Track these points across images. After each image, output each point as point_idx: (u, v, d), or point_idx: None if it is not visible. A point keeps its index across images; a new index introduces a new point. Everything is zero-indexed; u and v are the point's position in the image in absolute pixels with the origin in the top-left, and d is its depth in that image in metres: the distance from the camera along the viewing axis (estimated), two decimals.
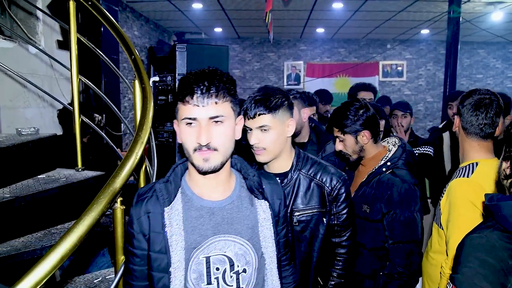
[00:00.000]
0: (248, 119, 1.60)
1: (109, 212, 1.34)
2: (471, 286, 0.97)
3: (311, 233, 1.70)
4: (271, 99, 1.60)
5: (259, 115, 1.58)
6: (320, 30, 9.88)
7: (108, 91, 4.83)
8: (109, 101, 2.62)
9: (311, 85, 9.96)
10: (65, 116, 3.50)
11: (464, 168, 1.77)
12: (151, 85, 1.94)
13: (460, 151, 1.88)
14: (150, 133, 1.81)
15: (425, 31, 9.63)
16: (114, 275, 1.53)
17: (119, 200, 1.40)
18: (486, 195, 1.09)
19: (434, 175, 3.45)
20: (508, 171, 1.07)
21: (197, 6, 7.65)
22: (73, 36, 2.29)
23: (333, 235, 1.75)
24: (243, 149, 1.77)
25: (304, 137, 2.65)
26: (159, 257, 1.18)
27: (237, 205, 1.26)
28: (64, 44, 4.00)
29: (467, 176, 1.72)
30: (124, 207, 1.42)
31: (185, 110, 1.15)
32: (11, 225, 1.93)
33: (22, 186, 2.13)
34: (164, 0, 7.19)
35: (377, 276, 1.90)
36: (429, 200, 3.46)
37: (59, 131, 3.57)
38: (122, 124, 5.25)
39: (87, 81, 2.59)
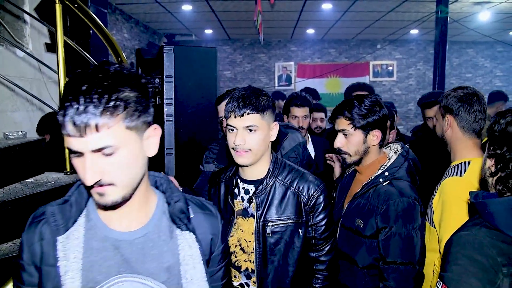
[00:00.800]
0: (234, 118, 1.48)
1: None
2: (460, 284, 0.98)
3: (286, 245, 1.56)
4: (260, 99, 1.50)
5: (248, 114, 1.46)
6: (310, 31, 9.93)
7: None
8: None
9: (302, 85, 9.93)
10: (51, 120, 3.45)
11: (456, 167, 1.77)
12: None
13: (451, 150, 1.89)
14: None
15: (414, 31, 9.72)
16: None
17: None
18: (470, 192, 1.10)
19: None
20: (493, 169, 1.08)
21: (187, 8, 7.64)
22: (60, 38, 2.28)
23: (311, 249, 1.61)
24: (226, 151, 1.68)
25: None
26: None
27: (152, 238, 1.01)
28: (52, 47, 3.94)
29: (460, 175, 1.72)
30: None
31: (68, 141, 0.86)
32: None
33: (9, 190, 2.11)
34: (153, 2, 7.17)
35: None
36: None
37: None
38: None
39: None
